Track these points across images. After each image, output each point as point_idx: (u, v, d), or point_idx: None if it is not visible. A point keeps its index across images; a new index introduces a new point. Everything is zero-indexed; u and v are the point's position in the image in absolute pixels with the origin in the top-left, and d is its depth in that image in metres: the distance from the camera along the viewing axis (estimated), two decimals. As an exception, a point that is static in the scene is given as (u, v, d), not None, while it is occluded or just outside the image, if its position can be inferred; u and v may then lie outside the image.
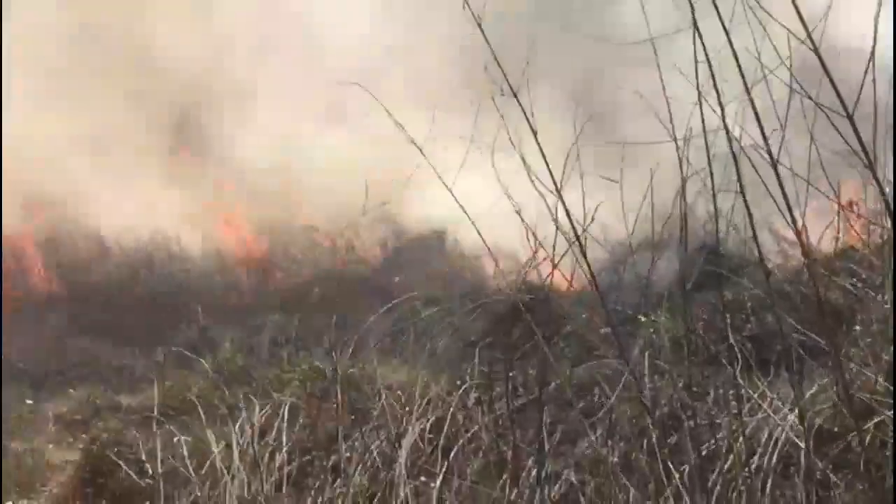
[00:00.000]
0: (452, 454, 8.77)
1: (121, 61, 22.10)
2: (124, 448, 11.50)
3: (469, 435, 9.03)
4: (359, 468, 8.93)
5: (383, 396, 9.54)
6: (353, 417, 9.97)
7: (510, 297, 11.68)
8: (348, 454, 9.01)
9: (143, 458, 11.21)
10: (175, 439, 10.19)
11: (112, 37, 22.09)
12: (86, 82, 21.83)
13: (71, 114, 21.61)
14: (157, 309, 21.08)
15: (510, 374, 9.27)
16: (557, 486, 8.56)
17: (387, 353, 13.75)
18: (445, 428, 9.09)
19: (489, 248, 7.51)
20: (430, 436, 9.25)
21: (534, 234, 6.83)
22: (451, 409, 9.26)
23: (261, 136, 21.97)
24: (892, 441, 7.76)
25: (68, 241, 22.79)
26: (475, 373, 10.79)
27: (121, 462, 11.06)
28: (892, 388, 7.75)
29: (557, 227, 6.70)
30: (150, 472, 10.74)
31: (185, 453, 9.47)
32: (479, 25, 6.25)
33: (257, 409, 9.75)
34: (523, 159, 6.67)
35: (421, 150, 6.64)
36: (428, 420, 9.25)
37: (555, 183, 6.27)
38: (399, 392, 10.66)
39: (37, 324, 20.04)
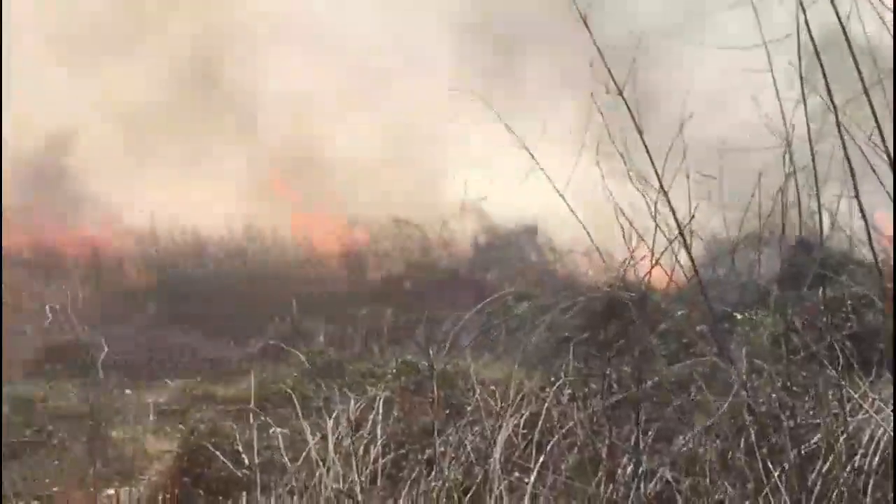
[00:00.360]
0: (547, 450, 8.71)
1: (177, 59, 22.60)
2: (221, 438, 11.69)
3: (564, 431, 8.96)
4: (453, 462, 8.91)
5: (477, 391, 9.52)
6: (447, 412, 9.99)
7: (608, 294, 11.65)
8: (443, 448, 8.98)
9: (240, 448, 11.40)
10: (270, 430, 10.27)
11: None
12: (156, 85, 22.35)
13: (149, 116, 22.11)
14: (251, 301, 21.37)
15: (606, 371, 9.20)
16: (653, 483, 8.48)
17: (479, 349, 13.77)
18: (540, 424, 9.03)
19: (597, 248, 7.46)
20: (524, 431, 9.21)
21: (635, 230, 6.78)
22: (546, 405, 9.20)
23: (351, 132, 22.24)
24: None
25: (164, 235, 23.20)
26: (569, 369, 10.76)
27: (218, 452, 11.24)
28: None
29: (657, 225, 6.64)
30: (247, 462, 10.90)
31: (282, 445, 9.53)
32: (585, 22, 6.19)
33: (352, 402, 9.79)
34: (623, 156, 6.61)
35: (532, 155, 6.60)
36: (522, 416, 9.20)
37: (659, 180, 6.20)
38: (493, 387, 10.67)
39: (133, 316, 20.41)
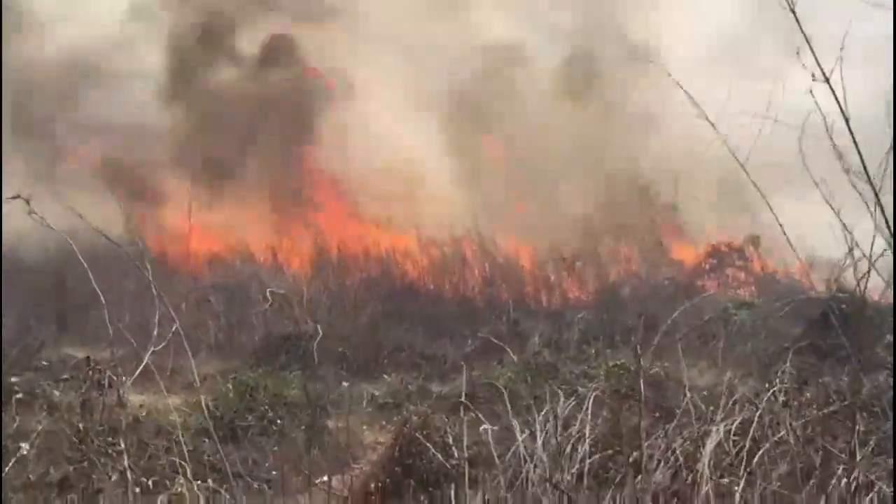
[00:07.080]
0: (757, 457, 8.49)
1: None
2: (433, 431, 11.87)
3: (776, 438, 8.71)
4: (661, 465, 8.78)
5: (688, 395, 9.35)
6: (656, 415, 9.86)
7: (822, 301, 11.28)
8: (651, 451, 8.86)
9: (451, 442, 11.53)
10: (482, 427, 10.34)
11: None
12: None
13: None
14: (469, 301, 21.65)
15: (821, 379, 8.91)
16: (869, 498, 8.18)
17: (697, 357, 13.56)
18: (752, 430, 8.81)
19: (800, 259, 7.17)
20: (735, 438, 9.00)
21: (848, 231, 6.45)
22: (759, 412, 8.96)
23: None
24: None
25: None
26: (785, 376, 10.49)
27: (429, 444, 11.41)
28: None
29: (876, 224, 6.24)
30: (456, 455, 11.01)
31: (491, 439, 9.60)
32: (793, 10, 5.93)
33: (562, 399, 9.77)
34: (835, 147, 6.20)
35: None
36: (734, 421, 9.00)
37: (869, 180, 5.77)
38: (705, 392, 10.47)
39: (355, 312, 20.95)
